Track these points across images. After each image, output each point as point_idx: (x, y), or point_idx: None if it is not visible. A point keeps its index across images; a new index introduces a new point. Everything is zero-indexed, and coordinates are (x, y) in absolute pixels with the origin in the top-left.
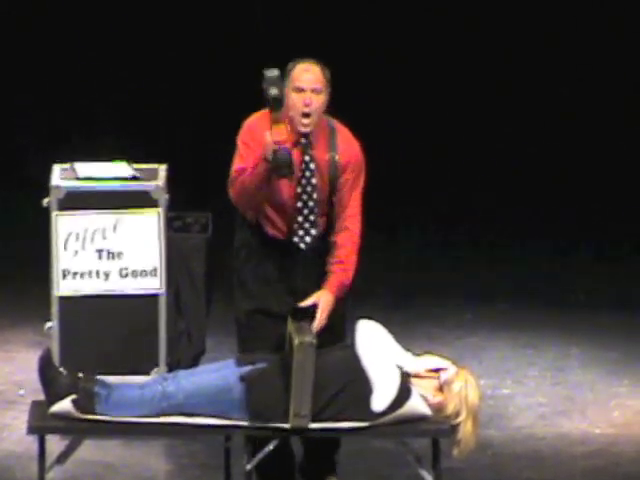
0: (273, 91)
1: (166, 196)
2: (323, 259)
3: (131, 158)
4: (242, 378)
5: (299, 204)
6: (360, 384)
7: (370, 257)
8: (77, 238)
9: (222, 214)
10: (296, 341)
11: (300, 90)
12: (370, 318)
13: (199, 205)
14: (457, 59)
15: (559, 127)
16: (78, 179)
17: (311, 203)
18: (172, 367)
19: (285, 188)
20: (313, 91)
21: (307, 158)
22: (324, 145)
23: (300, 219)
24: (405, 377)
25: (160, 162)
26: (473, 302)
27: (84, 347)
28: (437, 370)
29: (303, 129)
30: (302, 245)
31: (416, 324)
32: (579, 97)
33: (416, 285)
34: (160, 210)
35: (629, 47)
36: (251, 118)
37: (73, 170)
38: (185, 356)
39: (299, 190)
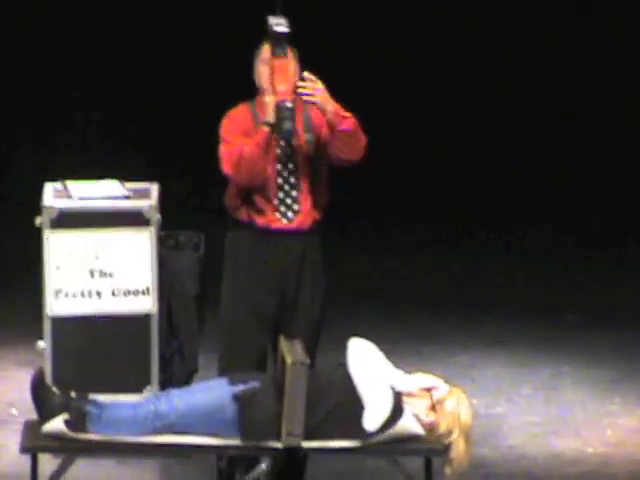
0: (280, 28)
1: (158, 215)
2: (316, 256)
3: (127, 165)
4: (235, 397)
5: (280, 180)
6: (352, 403)
7: (360, 270)
8: (69, 257)
9: (218, 229)
10: (288, 360)
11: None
12: (361, 336)
13: (195, 219)
14: (457, 59)
15: (559, 127)
16: (70, 198)
17: (292, 179)
18: (164, 386)
19: (268, 166)
20: None
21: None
22: (300, 125)
23: (281, 195)
24: (397, 396)
25: (154, 176)
26: (466, 319)
27: (76, 366)
28: (429, 389)
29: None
30: (285, 221)
31: (408, 342)
32: (579, 97)
33: (408, 301)
34: (152, 229)
35: (629, 47)
36: (231, 110)
37: (65, 189)
38: (177, 375)
39: (279, 167)
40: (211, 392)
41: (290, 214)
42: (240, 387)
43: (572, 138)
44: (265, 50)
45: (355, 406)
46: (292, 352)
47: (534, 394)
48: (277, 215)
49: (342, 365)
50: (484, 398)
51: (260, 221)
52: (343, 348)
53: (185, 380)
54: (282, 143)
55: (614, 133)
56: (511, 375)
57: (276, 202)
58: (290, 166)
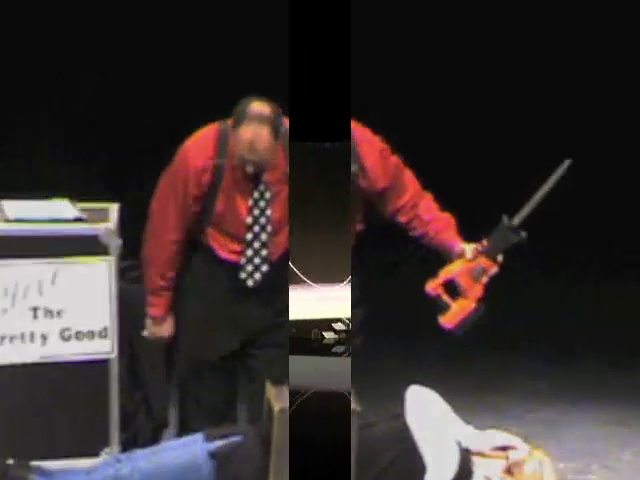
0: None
1: (118, 241)
2: (276, 295)
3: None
4: (212, 455)
5: (249, 236)
6: (411, 461)
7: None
8: (6, 293)
9: None
10: (276, 408)
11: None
12: (422, 384)
13: None
14: (457, 59)
15: (559, 127)
16: (7, 221)
17: (264, 236)
18: (127, 446)
19: (238, 218)
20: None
21: (262, 187)
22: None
23: (250, 253)
24: (465, 455)
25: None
26: (549, 365)
27: (16, 427)
28: (505, 448)
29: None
30: (251, 282)
31: (479, 393)
32: (579, 97)
33: (478, 344)
34: (111, 258)
35: (629, 47)
36: (194, 138)
37: (1, 209)
38: (143, 432)
39: (249, 221)
40: (184, 449)
41: (258, 275)
42: (217, 443)
43: (572, 138)
44: (241, 142)
45: (415, 464)
46: (279, 399)
47: (636, 459)
48: (243, 276)
49: (400, 416)
50: (573, 462)
51: (224, 255)
52: (400, 398)
53: (152, 438)
54: (256, 195)
55: (614, 133)
56: (607, 435)
57: (243, 260)
58: (262, 220)
